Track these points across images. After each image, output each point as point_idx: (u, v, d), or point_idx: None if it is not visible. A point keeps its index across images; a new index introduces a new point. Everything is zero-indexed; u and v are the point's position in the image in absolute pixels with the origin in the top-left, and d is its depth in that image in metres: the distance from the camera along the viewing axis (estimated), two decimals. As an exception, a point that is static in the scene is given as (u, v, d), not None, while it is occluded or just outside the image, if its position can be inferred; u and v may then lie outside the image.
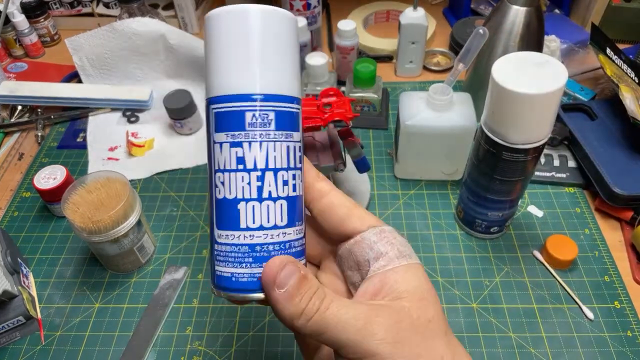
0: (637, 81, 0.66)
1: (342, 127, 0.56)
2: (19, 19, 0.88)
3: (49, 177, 0.61)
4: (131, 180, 0.69)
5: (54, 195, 0.61)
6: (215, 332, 0.53)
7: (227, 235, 0.26)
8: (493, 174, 0.51)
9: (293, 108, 0.27)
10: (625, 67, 0.68)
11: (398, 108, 0.61)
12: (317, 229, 0.31)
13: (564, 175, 0.65)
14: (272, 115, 0.26)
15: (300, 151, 0.27)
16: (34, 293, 0.57)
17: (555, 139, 0.66)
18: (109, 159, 0.72)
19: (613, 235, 0.59)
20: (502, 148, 0.48)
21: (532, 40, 0.64)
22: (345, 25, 0.76)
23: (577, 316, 0.52)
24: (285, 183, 0.26)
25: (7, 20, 0.88)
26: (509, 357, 0.49)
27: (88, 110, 0.79)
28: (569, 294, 0.54)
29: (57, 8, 0.98)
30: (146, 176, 0.69)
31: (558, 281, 0.55)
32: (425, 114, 0.59)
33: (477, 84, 0.70)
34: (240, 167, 0.25)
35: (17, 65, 0.91)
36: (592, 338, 0.50)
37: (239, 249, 0.26)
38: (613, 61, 0.69)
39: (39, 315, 0.55)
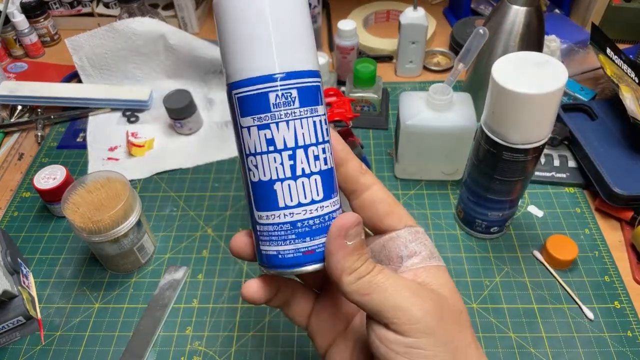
0: (637, 81, 0.66)
1: (342, 127, 0.56)
2: (19, 19, 0.88)
3: (49, 177, 0.61)
4: (131, 180, 0.69)
5: (54, 195, 0.61)
6: (215, 332, 0.53)
7: (267, 216, 0.27)
8: (493, 174, 0.51)
9: (314, 82, 0.27)
10: (625, 67, 0.68)
11: (398, 108, 0.61)
12: None
13: (564, 175, 0.65)
14: (295, 93, 0.26)
15: (326, 124, 0.27)
16: (34, 293, 0.57)
17: (556, 139, 0.66)
18: (109, 159, 0.72)
19: (613, 235, 0.59)
20: (502, 148, 0.48)
21: (532, 40, 0.64)
22: (345, 25, 0.76)
23: (577, 316, 0.52)
24: (317, 158, 0.26)
25: (7, 20, 0.88)
26: (509, 357, 0.49)
27: (88, 110, 0.79)
28: (569, 294, 0.54)
29: (57, 8, 0.98)
30: (146, 176, 0.69)
31: (558, 281, 0.55)
32: (425, 114, 0.59)
33: (477, 84, 0.70)
34: (271, 148, 0.26)
35: (17, 65, 0.91)
36: (592, 338, 0.50)
37: (281, 228, 0.26)
38: (613, 61, 0.69)
39: (39, 315, 0.55)
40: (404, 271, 0.29)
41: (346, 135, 0.56)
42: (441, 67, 0.85)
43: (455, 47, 0.86)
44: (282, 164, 0.26)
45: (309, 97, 0.26)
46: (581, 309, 0.52)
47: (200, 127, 0.76)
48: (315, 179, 0.26)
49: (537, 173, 0.65)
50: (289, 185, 0.26)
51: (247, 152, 0.27)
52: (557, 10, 0.92)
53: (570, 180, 0.64)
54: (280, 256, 0.27)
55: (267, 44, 0.25)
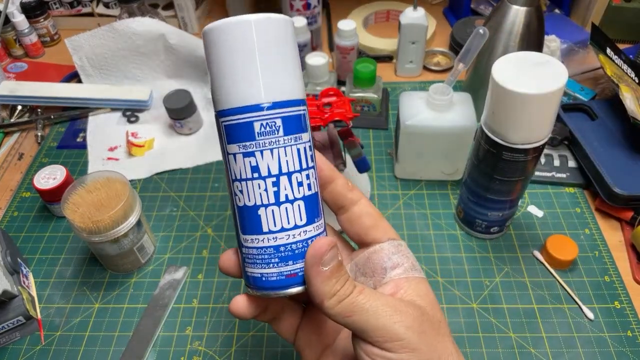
0: (637, 81, 0.66)
1: (342, 127, 0.56)
2: (19, 19, 0.88)
3: (49, 177, 0.61)
4: (131, 180, 0.69)
5: (54, 195, 0.61)
6: (215, 332, 0.53)
7: (252, 239, 0.28)
8: (493, 174, 0.51)
9: (299, 110, 0.27)
10: (625, 67, 0.68)
11: (398, 108, 0.61)
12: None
13: (564, 175, 0.65)
14: (279, 122, 0.26)
15: (311, 150, 0.28)
16: (34, 293, 0.57)
17: (556, 139, 0.66)
18: (109, 159, 0.72)
19: (613, 235, 0.59)
20: (502, 148, 0.48)
21: (532, 40, 0.64)
22: (345, 25, 0.76)
23: (577, 316, 0.52)
24: (300, 184, 0.27)
25: (7, 20, 0.88)
26: (509, 357, 0.49)
27: (88, 110, 0.79)
28: (569, 294, 0.54)
29: (57, 8, 0.98)
30: (146, 176, 0.69)
31: (558, 281, 0.55)
32: (425, 114, 0.59)
33: (477, 84, 0.70)
34: (256, 175, 0.27)
35: (16, 65, 0.91)
36: (592, 338, 0.50)
37: (264, 251, 0.27)
38: (613, 61, 0.69)
39: (39, 315, 0.55)
40: (387, 282, 0.30)
41: (346, 135, 0.56)
42: (441, 67, 0.85)
43: (455, 47, 0.86)
44: (266, 190, 0.27)
45: (294, 125, 0.27)
46: (581, 309, 0.52)
47: (200, 127, 0.76)
48: (299, 205, 0.27)
49: (537, 173, 0.65)
50: (272, 210, 0.27)
51: (233, 178, 0.27)
52: (557, 10, 0.92)
53: (570, 180, 0.64)
54: (264, 279, 0.28)
55: (253, 74, 0.26)
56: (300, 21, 0.77)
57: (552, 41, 0.77)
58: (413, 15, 0.76)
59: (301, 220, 0.27)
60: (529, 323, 0.52)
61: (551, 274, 0.56)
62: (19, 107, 0.79)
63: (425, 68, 0.85)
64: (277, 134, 0.26)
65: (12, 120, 0.79)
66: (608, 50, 0.70)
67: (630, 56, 0.71)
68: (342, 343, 0.33)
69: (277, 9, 0.99)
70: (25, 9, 0.90)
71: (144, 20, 0.77)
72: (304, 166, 0.27)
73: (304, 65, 0.72)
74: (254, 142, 0.26)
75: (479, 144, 0.51)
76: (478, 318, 0.52)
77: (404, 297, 0.29)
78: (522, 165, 0.49)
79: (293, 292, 0.28)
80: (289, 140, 0.27)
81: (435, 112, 0.59)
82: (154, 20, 0.77)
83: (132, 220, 0.53)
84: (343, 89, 0.75)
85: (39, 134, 0.76)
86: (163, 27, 0.77)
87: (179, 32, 0.77)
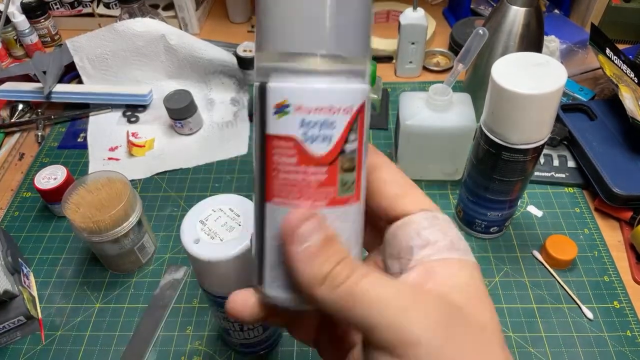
0: (636, 81, 0.66)
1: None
2: (20, 19, 0.88)
3: (50, 177, 0.61)
4: (131, 180, 0.69)
5: (55, 196, 0.61)
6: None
7: None
8: (492, 174, 0.51)
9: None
10: (624, 67, 0.68)
11: (398, 108, 0.61)
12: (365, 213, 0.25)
13: (563, 175, 0.65)
14: None
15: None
16: (35, 293, 0.57)
17: (555, 139, 0.66)
18: (110, 159, 0.72)
19: (612, 235, 0.59)
20: (501, 148, 0.48)
21: (532, 41, 0.64)
22: (345, 25, 0.76)
23: (576, 316, 0.52)
24: None
25: (8, 21, 0.89)
26: (508, 356, 0.50)
27: (89, 110, 0.79)
28: (568, 293, 0.54)
29: (57, 8, 0.98)
30: (146, 176, 0.69)
31: (557, 281, 0.55)
32: (425, 114, 0.59)
33: (476, 84, 0.70)
34: None
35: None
36: (592, 338, 0.50)
37: None
38: (612, 61, 0.69)
39: (40, 315, 0.55)
40: (415, 265, 0.22)
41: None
42: (441, 68, 0.85)
43: (455, 47, 0.86)
44: None
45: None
46: (580, 309, 0.53)
47: (200, 127, 0.76)
48: None
49: (536, 173, 0.65)
50: None
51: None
52: (556, 11, 0.92)
53: (570, 180, 0.64)
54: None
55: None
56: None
57: (551, 41, 0.77)
58: (413, 16, 0.76)
59: None
60: (529, 323, 0.52)
61: (550, 273, 0.56)
62: (20, 107, 0.79)
63: (425, 68, 0.85)
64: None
65: (12, 120, 0.79)
66: (607, 51, 0.70)
67: (630, 56, 0.71)
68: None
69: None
70: (26, 10, 0.90)
71: (145, 20, 0.77)
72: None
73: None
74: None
75: (479, 144, 0.51)
76: (478, 318, 0.52)
77: (435, 287, 0.21)
78: (522, 166, 0.49)
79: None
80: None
81: (434, 112, 0.59)
82: (154, 21, 0.78)
83: (133, 220, 0.53)
84: (343, 89, 0.75)
85: (40, 134, 0.76)
86: (163, 27, 0.77)
87: (180, 33, 0.78)
